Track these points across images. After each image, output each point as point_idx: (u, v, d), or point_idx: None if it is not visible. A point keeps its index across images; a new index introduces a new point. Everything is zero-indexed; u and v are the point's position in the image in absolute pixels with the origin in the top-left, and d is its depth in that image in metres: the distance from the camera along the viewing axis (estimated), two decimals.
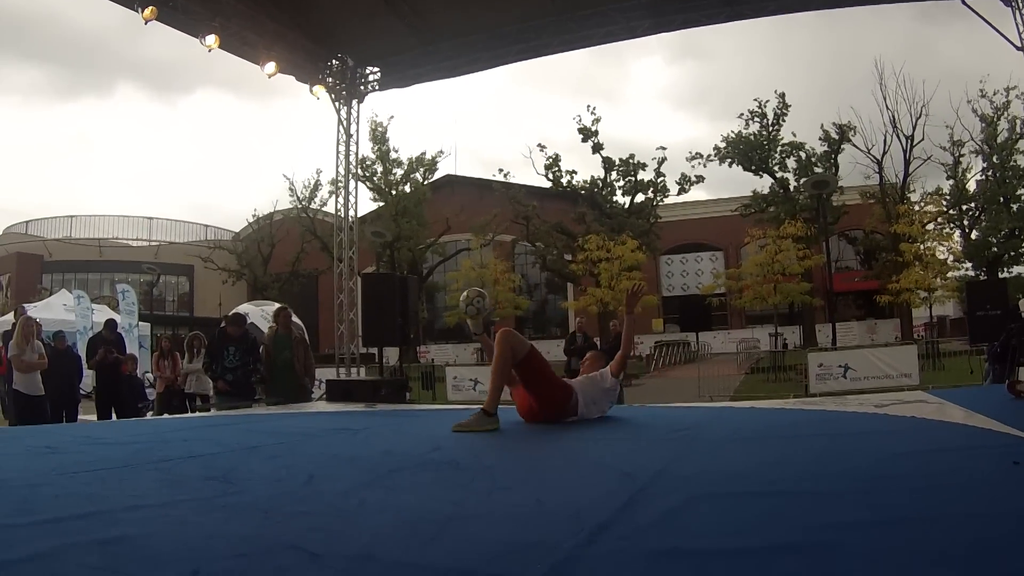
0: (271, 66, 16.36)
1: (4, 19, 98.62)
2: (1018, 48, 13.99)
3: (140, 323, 26.66)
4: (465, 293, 7.26)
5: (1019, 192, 38.74)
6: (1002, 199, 38.69)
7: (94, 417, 14.56)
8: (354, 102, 18.65)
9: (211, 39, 14.88)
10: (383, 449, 5.58)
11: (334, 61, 17.98)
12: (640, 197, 46.16)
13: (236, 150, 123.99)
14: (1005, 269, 37.69)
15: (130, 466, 4.77)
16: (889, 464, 4.24)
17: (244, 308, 25.24)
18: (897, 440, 5.32)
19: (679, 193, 45.95)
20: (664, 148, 46.27)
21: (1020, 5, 13.96)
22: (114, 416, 14.24)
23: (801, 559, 2.30)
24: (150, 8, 13.72)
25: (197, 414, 12.59)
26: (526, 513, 3.13)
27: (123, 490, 3.85)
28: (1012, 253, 38.58)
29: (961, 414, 6.12)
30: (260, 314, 25.36)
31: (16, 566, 2.37)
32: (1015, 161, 38.67)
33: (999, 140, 38.86)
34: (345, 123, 18.59)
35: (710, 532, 2.70)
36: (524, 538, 2.66)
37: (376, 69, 18.50)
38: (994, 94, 38.63)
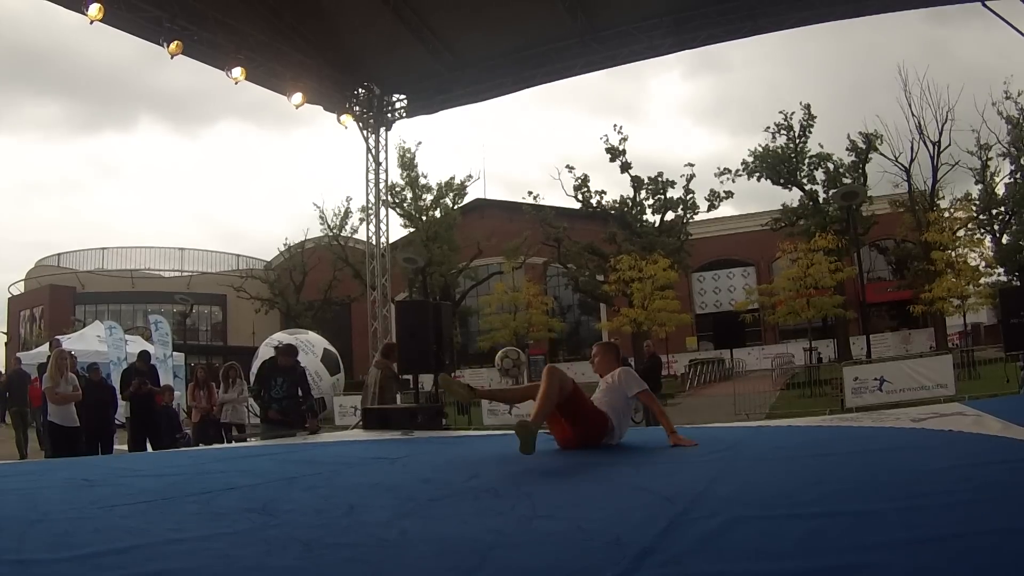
0: (298, 96, 16.50)
1: (20, 54, 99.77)
2: None
3: (174, 353, 26.83)
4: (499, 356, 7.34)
5: None
6: None
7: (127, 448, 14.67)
8: (382, 130, 18.80)
9: (237, 71, 15.03)
10: (422, 477, 5.57)
11: (360, 90, 18.13)
12: (670, 215, 45.85)
13: (263, 179, 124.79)
14: None
15: (169, 499, 4.79)
16: (927, 480, 4.21)
17: (278, 336, 25.35)
18: (935, 455, 5.28)
19: (709, 209, 45.67)
20: (692, 165, 45.82)
21: None
22: (149, 447, 14.30)
23: None
24: (176, 43, 13.89)
25: (233, 444, 12.65)
26: (567, 540, 3.11)
27: (162, 523, 3.87)
28: None
29: (998, 426, 6.06)
30: (296, 343, 25.49)
31: None
32: None
33: None
34: (374, 151, 18.74)
35: (751, 555, 2.69)
36: (566, 566, 2.65)
37: (402, 96, 18.64)
38: (1019, 95, 38.33)
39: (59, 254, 61.43)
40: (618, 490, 4.70)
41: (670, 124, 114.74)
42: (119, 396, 15.79)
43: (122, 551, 3.13)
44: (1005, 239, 39.77)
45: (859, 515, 3.25)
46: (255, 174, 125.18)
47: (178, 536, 3.45)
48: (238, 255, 63.82)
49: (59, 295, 54.58)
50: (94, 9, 12.86)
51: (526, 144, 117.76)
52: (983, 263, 37.37)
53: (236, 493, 4.97)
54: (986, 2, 14.73)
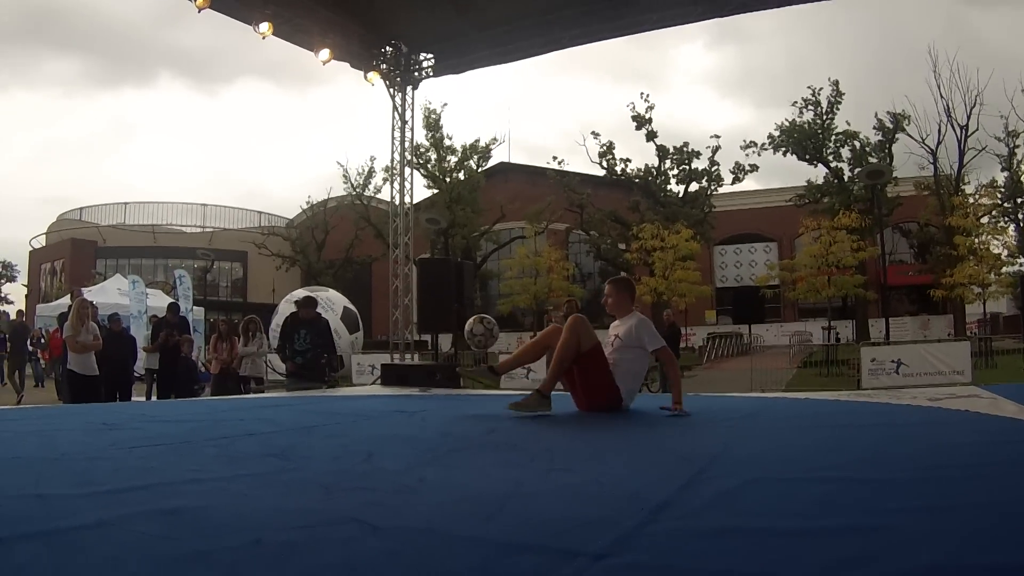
0: (325, 53, 16.42)
1: (41, 9, 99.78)
2: None
3: (194, 308, 27.02)
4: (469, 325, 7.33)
5: None
6: None
7: (144, 399, 14.78)
8: (408, 88, 18.67)
9: (264, 26, 14.94)
10: (440, 431, 5.60)
11: (388, 48, 17.99)
12: (694, 186, 45.75)
13: (284, 138, 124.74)
14: None
15: (188, 443, 4.84)
16: (943, 453, 4.23)
17: (298, 293, 25.44)
18: (951, 431, 5.29)
19: (733, 182, 45.56)
20: (718, 136, 45.82)
21: None
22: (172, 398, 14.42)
23: (860, 539, 2.29)
24: None
25: (252, 395, 12.73)
26: (586, 492, 3.14)
27: (181, 464, 3.91)
28: None
29: (1014, 408, 6.05)
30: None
31: (78, 532, 2.41)
32: None
33: None
34: (400, 109, 18.63)
35: (769, 512, 2.72)
36: (585, 515, 2.66)
37: (430, 55, 18.51)
38: None
39: (81, 208, 61.44)
40: (635, 449, 4.73)
41: (693, 94, 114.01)
42: (139, 348, 15.93)
43: (141, 488, 3.17)
44: None
45: (874, 482, 3.26)
46: (275, 133, 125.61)
47: (197, 476, 3.49)
48: (260, 212, 63.81)
49: (80, 249, 54.74)
50: None
51: (548, 110, 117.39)
52: (1006, 251, 37.14)
53: (255, 439, 5.01)
54: None
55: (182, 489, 3.17)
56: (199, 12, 14.03)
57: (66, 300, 26.86)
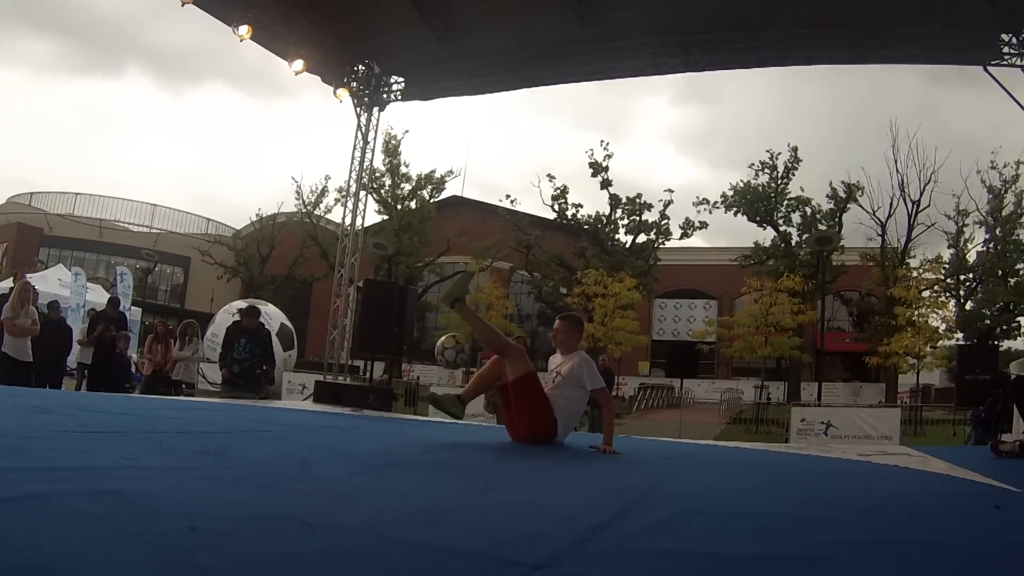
0: (299, 63, 16.47)
1: None
2: None
3: (132, 307, 26.69)
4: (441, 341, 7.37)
5: (1018, 267, 38.84)
6: (1001, 272, 38.79)
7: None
8: (375, 109, 18.74)
9: (244, 29, 14.97)
10: (375, 447, 5.60)
11: (361, 66, 18.08)
12: (642, 237, 46.12)
13: (243, 147, 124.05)
14: (996, 342, 37.52)
15: (121, 433, 4.80)
16: (874, 499, 4.32)
17: (237, 304, 25.22)
18: (882, 481, 5.42)
19: (681, 237, 45.95)
20: (672, 191, 46.12)
21: None
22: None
23: (798, 566, 2.35)
24: None
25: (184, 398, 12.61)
26: (521, 511, 3.16)
27: (115, 452, 3.86)
28: (1005, 327, 38.70)
29: (944, 466, 6.17)
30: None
31: (14, 502, 2.37)
32: (1018, 235, 38.81)
33: (1004, 213, 39.02)
34: (364, 129, 18.67)
35: (703, 540, 2.75)
36: (521, 530, 2.68)
37: (401, 79, 18.62)
38: (1004, 166, 38.71)
39: (32, 193, 60.57)
40: (568, 477, 4.75)
41: (653, 147, 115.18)
42: (74, 340, 15.67)
43: (75, 469, 3.14)
44: (969, 305, 40.22)
45: (807, 519, 3.34)
46: (235, 141, 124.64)
47: (131, 464, 3.45)
48: (208, 219, 63.16)
49: (26, 234, 53.79)
50: None
51: (507, 147, 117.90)
52: (944, 325, 37.80)
53: (188, 437, 4.97)
54: (987, 67, 14.93)
55: (117, 474, 3.12)
56: (182, 6, 14.01)
57: (7, 283, 26.37)
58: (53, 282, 27.32)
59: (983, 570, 2.46)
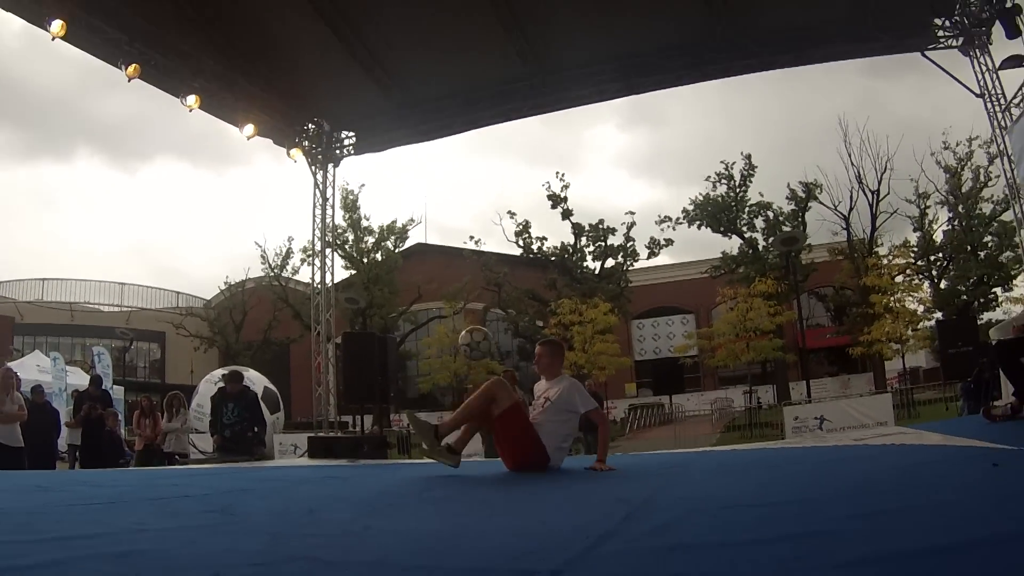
0: (249, 128, 16.51)
1: None
2: (977, 95, 14.49)
3: (114, 387, 26.55)
4: (465, 333, 7.37)
5: (986, 239, 39.23)
6: (969, 247, 39.15)
7: None
8: (330, 166, 18.80)
9: (192, 99, 15.02)
10: (377, 491, 5.64)
11: (310, 125, 18.15)
12: (610, 262, 46.13)
13: (202, 217, 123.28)
14: (975, 316, 37.74)
15: (125, 502, 4.81)
16: (873, 476, 4.39)
17: (219, 373, 25.13)
18: (879, 460, 5.52)
19: (649, 257, 45.95)
20: (633, 213, 46.32)
21: (978, 54, 14.46)
22: None
23: (802, 542, 2.43)
24: (134, 66, 13.83)
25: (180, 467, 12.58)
26: (532, 529, 3.23)
27: (123, 519, 3.90)
28: (982, 300, 39.07)
29: (939, 438, 6.27)
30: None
31: (33, 571, 2.40)
32: (980, 209, 39.23)
33: (964, 190, 39.38)
34: (321, 187, 18.72)
35: (709, 533, 2.85)
36: (535, 545, 2.75)
37: (351, 134, 18.69)
38: (956, 145, 39.08)
39: None
40: (571, 495, 4.81)
41: (607, 174, 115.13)
42: (62, 423, 15.61)
43: (88, 536, 3.17)
44: (943, 284, 40.49)
45: (806, 503, 3.43)
46: (192, 212, 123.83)
47: (142, 528, 3.47)
48: (178, 292, 62.85)
49: None
50: (56, 25, 12.69)
51: (464, 191, 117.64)
52: (921, 307, 38.02)
53: (192, 500, 4.98)
54: (925, 52, 15.21)
55: (130, 537, 3.15)
56: (129, 82, 14.06)
57: None
58: (32, 369, 27.03)
59: (985, 523, 2.54)
